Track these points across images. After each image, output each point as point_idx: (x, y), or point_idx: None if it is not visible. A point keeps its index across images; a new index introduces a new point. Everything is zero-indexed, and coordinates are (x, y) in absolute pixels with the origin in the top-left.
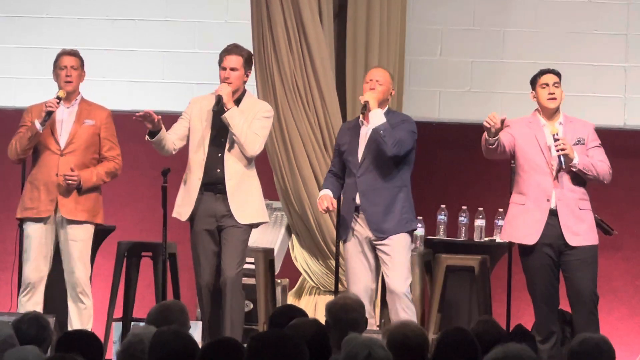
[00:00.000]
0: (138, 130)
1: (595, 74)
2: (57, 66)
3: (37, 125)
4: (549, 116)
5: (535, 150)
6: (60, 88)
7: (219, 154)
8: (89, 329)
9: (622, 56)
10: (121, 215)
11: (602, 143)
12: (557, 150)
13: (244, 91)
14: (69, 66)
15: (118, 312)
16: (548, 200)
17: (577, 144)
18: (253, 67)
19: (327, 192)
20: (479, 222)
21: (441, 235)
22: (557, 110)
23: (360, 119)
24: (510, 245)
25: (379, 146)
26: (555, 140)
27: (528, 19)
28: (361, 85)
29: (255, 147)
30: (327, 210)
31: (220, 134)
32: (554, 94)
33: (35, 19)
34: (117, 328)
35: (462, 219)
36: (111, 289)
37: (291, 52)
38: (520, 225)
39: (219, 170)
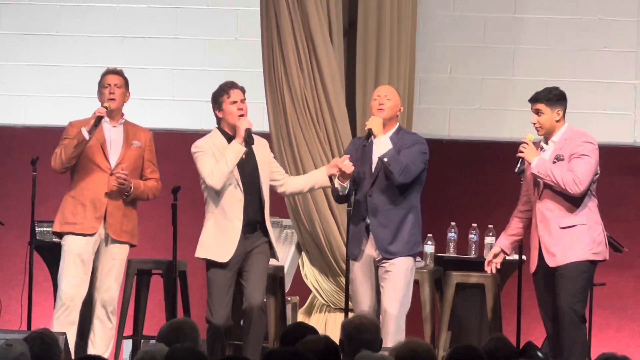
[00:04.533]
0: None
1: (605, 91)
2: (101, 84)
3: (85, 133)
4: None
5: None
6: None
7: (255, 196)
8: (110, 349)
9: (633, 73)
10: None
11: (611, 160)
12: (517, 153)
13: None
14: (112, 84)
15: (128, 330)
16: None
17: (556, 162)
18: (263, 84)
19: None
20: (489, 240)
21: (451, 252)
22: (550, 131)
23: (370, 139)
24: (520, 262)
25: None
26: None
27: (538, 36)
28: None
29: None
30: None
31: (250, 175)
32: (534, 122)
33: (45, 36)
34: (127, 346)
35: (472, 236)
36: (121, 307)
37: (301, 69)
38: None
39: (257, 213)
